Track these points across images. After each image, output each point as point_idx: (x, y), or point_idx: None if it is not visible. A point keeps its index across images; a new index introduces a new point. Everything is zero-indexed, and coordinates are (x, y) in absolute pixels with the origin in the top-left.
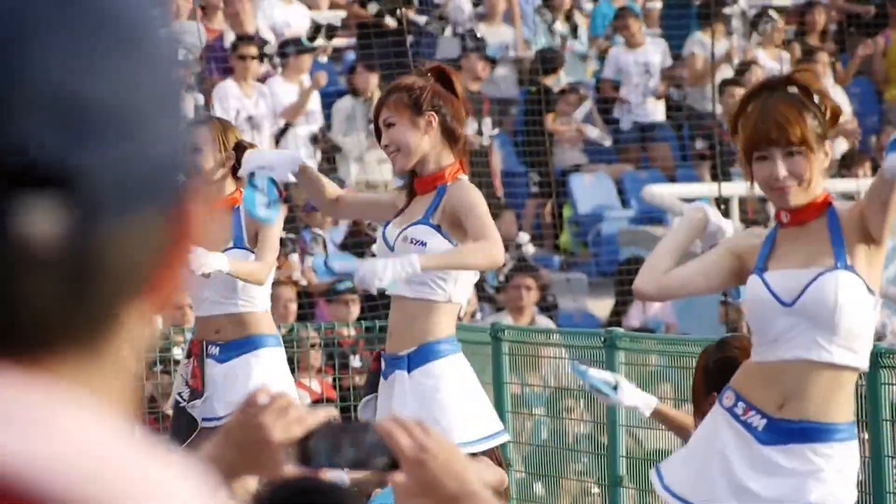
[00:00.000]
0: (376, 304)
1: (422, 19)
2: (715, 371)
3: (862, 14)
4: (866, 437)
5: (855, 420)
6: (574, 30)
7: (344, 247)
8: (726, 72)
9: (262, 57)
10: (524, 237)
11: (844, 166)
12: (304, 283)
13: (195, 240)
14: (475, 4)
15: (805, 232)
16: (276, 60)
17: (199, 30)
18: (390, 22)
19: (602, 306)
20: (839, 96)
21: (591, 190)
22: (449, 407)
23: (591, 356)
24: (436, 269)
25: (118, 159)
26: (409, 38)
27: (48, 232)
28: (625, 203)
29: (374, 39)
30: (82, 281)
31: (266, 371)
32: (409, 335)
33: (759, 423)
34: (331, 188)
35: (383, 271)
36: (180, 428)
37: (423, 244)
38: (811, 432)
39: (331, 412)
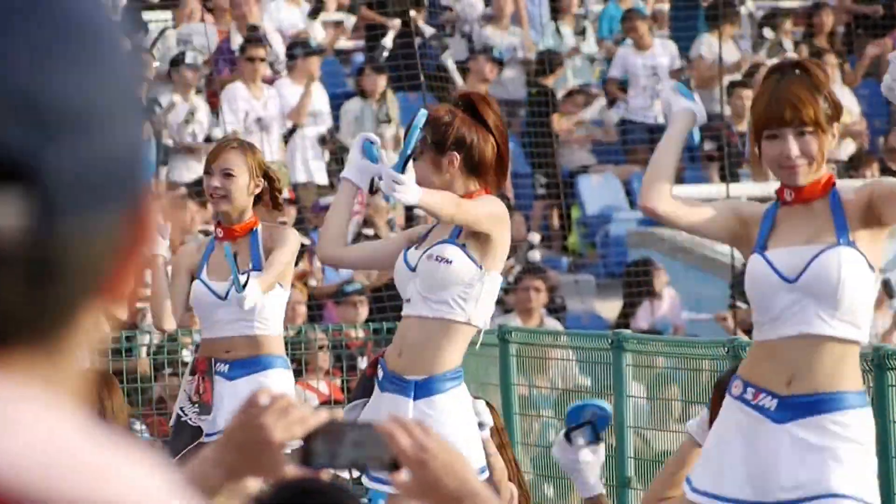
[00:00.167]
0: (384, 306)
1: (429, 28)
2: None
3: (870, 15)
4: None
5: (864, 389)
6: (582, 32)
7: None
8: (734, 73)
9: (270, 64)
10: (535, 237)
11: (852, 167)
12: (313, 284)
13: (152, 240)
14: (486, 4)
15: (808, 210)
16: (283, 62)
17: (206, 31)
18: (398, 24)
19: (610, 308)
20: (847, 98)
21: (599, 191)
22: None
23: (599, 358)
24: (428, 205)
25: (79, 157)
26: (418, 41)
27: (10, 227)
28: (633, 204)
29: (382, 41)
30: (42, 276)
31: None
32: (420, 358)
33: (770, 403)
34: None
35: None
36: (181, 443)
37: (449, 262)
38: (823, 403)
39: (332, 412)
